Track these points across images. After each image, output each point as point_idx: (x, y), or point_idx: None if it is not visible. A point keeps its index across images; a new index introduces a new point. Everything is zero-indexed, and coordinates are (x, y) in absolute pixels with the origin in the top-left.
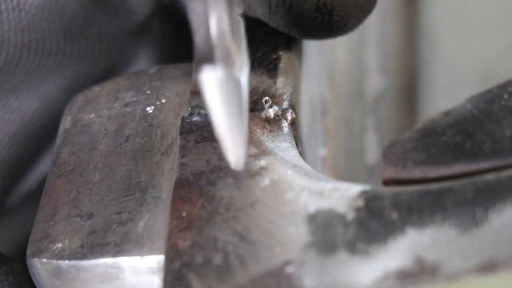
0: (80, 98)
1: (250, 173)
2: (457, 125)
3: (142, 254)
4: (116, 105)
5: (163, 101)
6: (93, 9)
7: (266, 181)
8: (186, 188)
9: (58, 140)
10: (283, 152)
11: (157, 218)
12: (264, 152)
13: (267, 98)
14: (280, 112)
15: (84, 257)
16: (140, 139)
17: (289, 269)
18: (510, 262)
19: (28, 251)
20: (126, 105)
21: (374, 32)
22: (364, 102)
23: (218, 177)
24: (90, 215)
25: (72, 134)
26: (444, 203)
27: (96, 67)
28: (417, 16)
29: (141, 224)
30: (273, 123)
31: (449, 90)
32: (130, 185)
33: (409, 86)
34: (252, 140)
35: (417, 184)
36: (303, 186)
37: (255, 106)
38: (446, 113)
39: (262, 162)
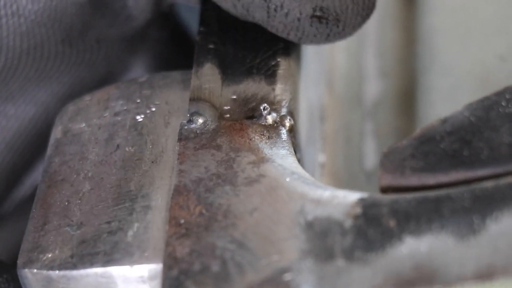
0: (70, 108)
1: (249, 180)
2: (455, 132)
3: (132, 263)
4: (106, 114)
5: (153, 109)
6: (93, 15)
7: (264, 188)
8: (184, 195)
9: (49, 150)
10: (281, 159)
11: (146, 227)
12: (262, 159)
13: (265, 105)
14: (278, 119)
15: (74, 267)
16: (130, 148)
17: (287, 277)
18: (507, 270)
19: (19, 262)
20: (116, 114)
21: (373, 37)
22: (362, 108)
23: (216, 184)
24: (80, 225)
25: (63, 143)
26: (442, 210)
27: (93, 74)
28: (415, 21)
29: (130, 233)
30: (272, 130)
31: (448, 95)
32: (120, 194)
33: (408, 91)
34: (250, 147)
35: (415, 192)
36: (301, 193)
37: (253, 113)
38: (444, 120)
39: (261, 169)
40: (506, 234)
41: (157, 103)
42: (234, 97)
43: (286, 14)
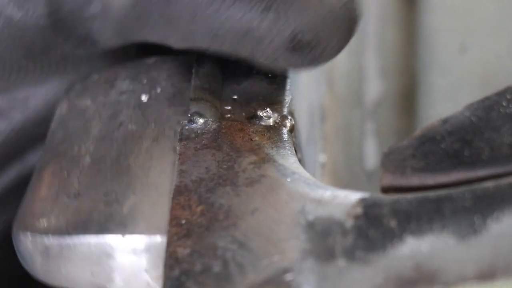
0: (78, 85)
1: (250, 180)
2: (455, 132)
3: (124, 232)
4: (112, 93)
5: (158, 90)
6: (55, 38)
7: (265, 188)
8: (185, 195)
9: (53, 124)
10: (282, 159)
11: (142, 201)
12: (263, 159)
13: (266, 105)
14: (279, 119)
15: (67, 233)
16: (133, 125)
17: (288, 277)
18: (508, 270)
19: (14, 226)
20: (122, 93)
21: (373, 37)
22: (363, 107)
23: (217, 184)
24: (78, 195)
25: (67, 119)
26: (443, 211)
27: (65, 83)
28: (416, 21)
29: (126, 205)
30: (272, 130)
31: (448, 94)
32: (118, 169)
33: (408, 91)
34: (251, 147)
35: (415, 192)
36: (302, 193)
37: (254, 113)
38: (445, 120)
39: (262, 169)
40: (507, 234)
41: (163, 84)
42: (235, 97)
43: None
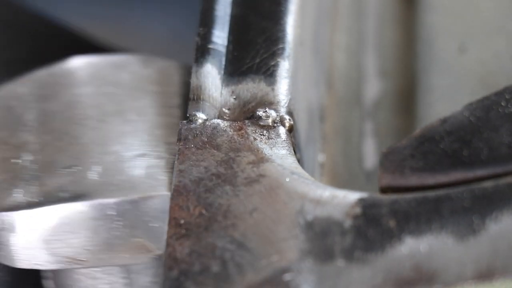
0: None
1: (248, 180)
2: (454, 132)
3: (97, 198)
4: (38, 91)
5: (87, 83)
6: None
7: (264, 188)
8: (184, 195)
9: None
10: (281, 159)
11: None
12: (262, 159)
13: (265, 105)
14: (278, 119)
15: (39, 205)
16: (71, 112)
17: (287, 277)
18: (507, 270)
19: None
20: (47, 90)
21: (372, 37)
22: (362, 107)
23: (216, 184)
24: (38, 175)
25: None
26: (442, 211)
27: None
28: (415, 21)
29: (90, 173)
30: (271, 130)
31: (447, 94)
32: (71, 147)
33: (407, 91)
34: (250, 147)
35: (414, 192)
36: (301, 193)
37: (253, 113)
38: (444, 120)
39: (260, 169)
40: (506, 234)
41: (90, 78)
42: (234, 97)
43: None
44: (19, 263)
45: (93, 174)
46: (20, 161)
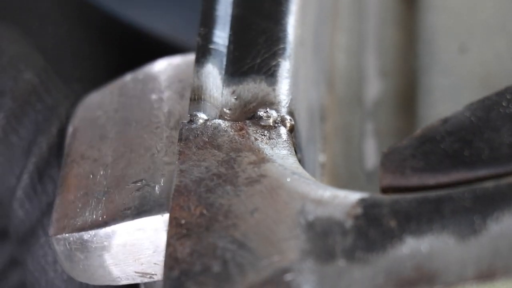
0: (85, 100)
1: (249, 181)
2: (455, 133)
3: (162, 212)
4: (121, 99)
5: (167, 86)
6: None
7: (265, 188)
8: (185, 195)
9: (68, 138)
10: (282, 159)
11: (173, 182)
12: (263, 159)
13: (266, 105)
14: (279, 119)
15: (105, 224)
16: (148, 121)
17: (288, 277)
18: (508, 271)
19: (50, 232)
20: (131, 97)
21: (373, 37)
22: (363, 107)
23: (217, 184)
24: (107, 191)
25: (81, 130)
26: (443, 211)
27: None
28: (416, 21)
29: (157, 187)
30: (272, 130)
31: (448, 95)
32: (142, 159)
33: (408, 91)
34: (251, 147)
35: (415, 192)
36: (301, 193)
37: (254, 113)
38: (445, 120)
39: (261, 169)
40: (507, 234)
41: (171, 82)
42: (235, 97)
43: None
44: (93, 281)
45: (159, 187)
46: (92, 176)
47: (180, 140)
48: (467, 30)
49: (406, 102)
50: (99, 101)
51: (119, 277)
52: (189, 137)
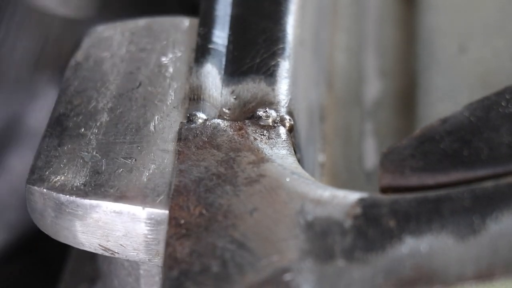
0: (94, 33)
1: (249, 180)
2: (454, 132)
3: (144, 204)
4: (130, 48)
5: (179, 54)
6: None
7: (264, 188)
8: (184, 195)
9: (68, 71)
10: (281, 159)
11: (163, 172)
12: (262, 159)
13: (265, 105)
14: (278, 119)
15: (85, 195)
16: (152, 88)
17: (287, 277)
18: (507, 270)
19: (29, 178)
20: (141, 50)
21: (373, 37)
22: (362, 107)
23: (216, 184)
24: (95, 155)
25: (83, 68)
26: (442, 210)
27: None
28: (415, 21)
29: (146, 174)
30: (272, 130)
31: (448, 94)
32: (138, 133)
33: (407, 91)
34: (250, 147)
35: (414, 192)
36: (301, 193)
37: (253, 113)
38: (444, 120)
39: (261, 169)
40: (506, 234)
41: (182, 49)
42: (234, 97)
43: None
44: (56, 237)
45: (148, 174)
46: (84, 130)
47: (179, 139)
48: (466, 30)
49: (405, 102)
50: (108, 40)
51: (82, 243)
52: (188, 136)
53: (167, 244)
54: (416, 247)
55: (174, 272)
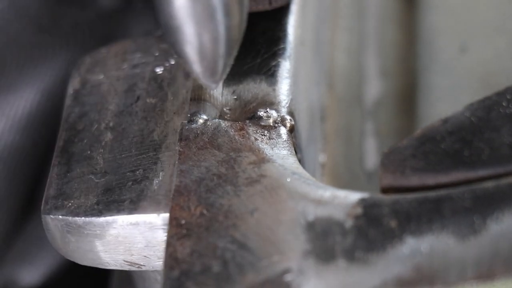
0: (87, 60)
1: (249, 181)
2: (455, 133)
3: (159, 211)
4: (124, 66)
5: (172, 62)
6: (58, 5)
7: (265, 188)
8: (185, 196)
9: (68, 100)
10: (282, 159)
11: (172, 176)
12: (263, 160)
13: (266, 105)
14: (279, 119)
15: (100, 214)
16: (151, 99)
17: (288, 277)
18: (508, 270)
19: (43, 208)
20: (134, 66)
21: (373, 37)
22: (363, 107)
23: (217, 184)
24: (104, 173)
25: (82, 94)
26: (443, 211)
27: (87, 50)
28: (416, 21)
29: (156, 181)
30: (272, 130)
31: (448, 94)
32: (143, 144)
33: (408, 91)
34: (251, 147)
35: (415, 192)
36: (302, 193)
37: (254, 113)
38: (445, 121)
39: (261, 170)
40: (507, 234)
41: (175, 56)
42: (235, 97)
43: None
44: (82, 262)
45: (158, 182)
46: (90, 152)
47: (180, 140)
48: (467, 30)
49: (406, 102)
50: (102, 63)
51: (107, 262)
52: (189, 137)
53: (168, 244)
54: (417, 247)
55: (175, 272)
